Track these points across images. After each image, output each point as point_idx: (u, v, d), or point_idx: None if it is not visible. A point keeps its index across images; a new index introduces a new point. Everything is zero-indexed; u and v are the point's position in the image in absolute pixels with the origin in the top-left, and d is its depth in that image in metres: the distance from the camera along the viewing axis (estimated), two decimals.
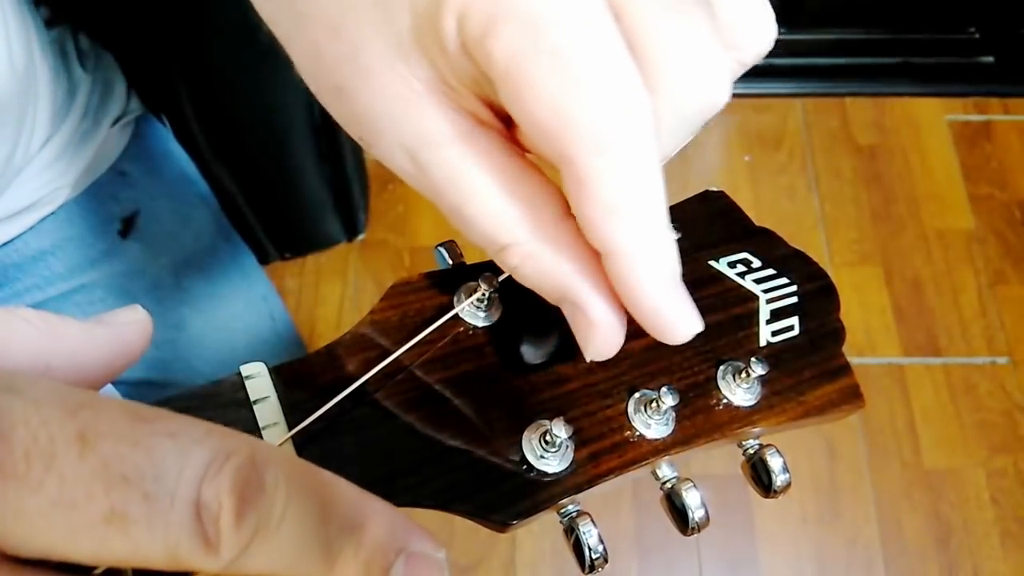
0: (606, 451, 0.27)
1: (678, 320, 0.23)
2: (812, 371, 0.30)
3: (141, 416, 0.17)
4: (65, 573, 0.17)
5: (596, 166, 0.20)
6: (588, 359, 0.24)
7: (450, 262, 0.29)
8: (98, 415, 0.17)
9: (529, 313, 0.29)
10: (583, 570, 0.27)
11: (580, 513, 0.27)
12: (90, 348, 0.22)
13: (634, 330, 0.29)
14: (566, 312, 0.24)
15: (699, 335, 0.22)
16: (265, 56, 0.73)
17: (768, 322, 0.31)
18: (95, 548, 0.16)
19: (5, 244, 0.54)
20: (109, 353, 0.22)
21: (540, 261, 0.23)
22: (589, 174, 0.20)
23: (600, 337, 0.23)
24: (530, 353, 0.28)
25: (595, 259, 0.22)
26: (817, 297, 0.32)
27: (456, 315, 0.28)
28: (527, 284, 0.23)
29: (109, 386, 0.40)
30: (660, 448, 0.27)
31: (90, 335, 0.22)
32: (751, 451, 0.29)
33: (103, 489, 0.16)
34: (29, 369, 0.21)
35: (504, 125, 0.23)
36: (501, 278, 0.28)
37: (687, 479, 0.28)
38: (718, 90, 0.22)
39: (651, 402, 0.27)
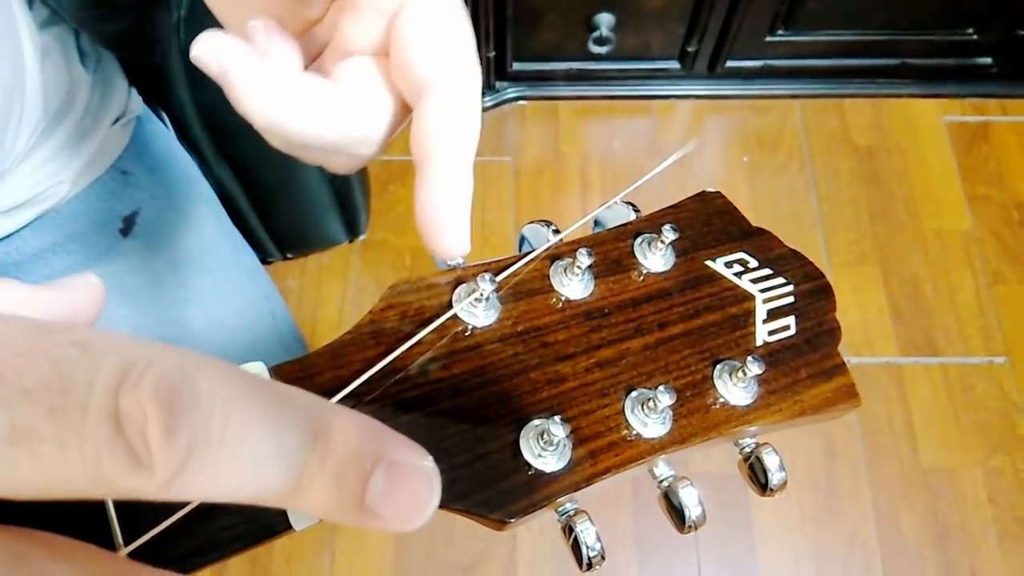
0: (603, 450, 0.27)
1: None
2: (808, 370, 0.30)
3: (46, 328, 0.16)
4: None
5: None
6: None
7: (449, 263, 0.30)
8: None
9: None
10: (581, 568, 0.27)
11: (578, 511, 0.27)
12: (35, 311, 0.21)
13: (633, 329, 0.30)
14: None
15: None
16: None
17: (764, 321, 0.31)
18: (2, 475, 0.15)
19: (3, 240, 0.54)
20: (57, 316, 0.22)
21: None
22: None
23: None
24: None
25: None
26: (813, 297, 0.32)
27: (455, 315, 0.28)
28: None
29: None
30: (657, 447, 0.28)
31: (36, 298, 0.21)
32: (748, 450, 0.29)
33: (1, 406, 0.14)
34: None
35: None
36: (499, 278, 0.29)
37: (684, 477, 0.28)
38: None
39: (648, 401, 0.27)
